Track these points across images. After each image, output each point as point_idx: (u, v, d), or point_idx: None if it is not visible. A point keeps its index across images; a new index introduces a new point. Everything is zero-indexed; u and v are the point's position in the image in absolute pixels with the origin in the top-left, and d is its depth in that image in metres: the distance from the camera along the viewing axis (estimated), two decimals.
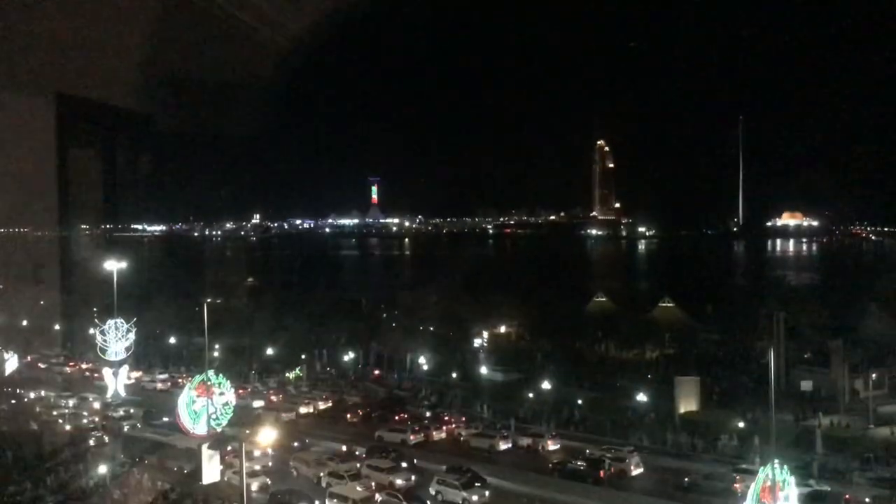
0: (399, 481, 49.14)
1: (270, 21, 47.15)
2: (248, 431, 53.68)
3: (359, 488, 47.13)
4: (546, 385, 74.06)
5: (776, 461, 34.97)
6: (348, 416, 68.90)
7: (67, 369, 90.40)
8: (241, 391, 68.31)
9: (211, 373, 52.35)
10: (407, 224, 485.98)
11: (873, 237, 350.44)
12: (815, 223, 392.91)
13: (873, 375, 70.13)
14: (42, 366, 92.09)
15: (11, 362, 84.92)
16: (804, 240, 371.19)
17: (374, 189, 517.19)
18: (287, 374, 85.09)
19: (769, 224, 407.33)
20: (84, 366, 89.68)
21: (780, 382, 66.80)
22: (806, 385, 72.61)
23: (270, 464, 53.09)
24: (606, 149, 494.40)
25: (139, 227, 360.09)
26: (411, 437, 60.68)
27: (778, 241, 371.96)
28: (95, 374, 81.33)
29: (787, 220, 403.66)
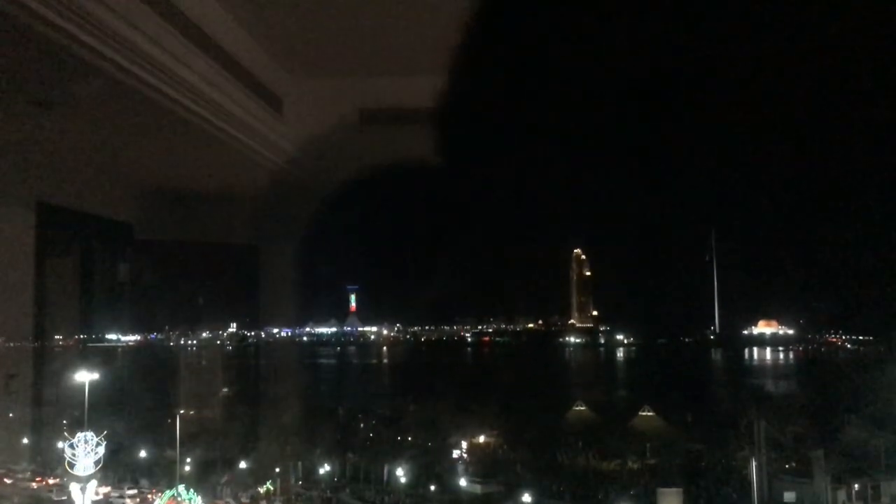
0: None
1: (254, 135, 48.22)
2: None
3: None
4: (527, 497, 72.71)
5: None
6: None
7: (34, 485, 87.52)
8: None
9: (181, 487, 51.15)
10: (385, 332, 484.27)
11: (848, 346, 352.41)
12: (790, 331, 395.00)
13: (856, 486, 69.57)
14: (8, 481, 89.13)
15: None
16: (780, 348, 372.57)
17: (353, 298, 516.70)
18: (259, 489, 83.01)
19: (745, 332, 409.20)
20: (51, 481, 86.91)
21: (763, 493, 66.07)
22: (789, 496, 71.73)
23: None
24: (583, 257, 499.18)
25: (113, 337, 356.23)
26: None
27: (755, 350, 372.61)
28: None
29: (763, 328, 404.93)
